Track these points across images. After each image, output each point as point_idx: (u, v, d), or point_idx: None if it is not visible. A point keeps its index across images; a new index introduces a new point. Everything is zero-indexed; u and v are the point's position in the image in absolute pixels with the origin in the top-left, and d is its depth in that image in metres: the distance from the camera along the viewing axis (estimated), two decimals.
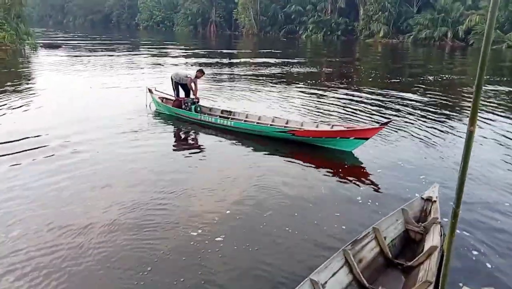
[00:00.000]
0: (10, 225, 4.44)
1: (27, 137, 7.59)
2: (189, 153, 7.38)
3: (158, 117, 9.67)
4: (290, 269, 3.77)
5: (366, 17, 46.24)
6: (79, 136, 7.79)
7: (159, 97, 10.06)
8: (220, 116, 9.06)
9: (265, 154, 7.25)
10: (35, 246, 4.04)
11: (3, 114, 9.54)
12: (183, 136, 8.66)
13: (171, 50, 31.41)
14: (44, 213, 4.75)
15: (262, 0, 57.97)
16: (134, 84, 13.85)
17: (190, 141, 8.42)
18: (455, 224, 2.05)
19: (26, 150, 6.90)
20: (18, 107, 10.36)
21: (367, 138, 6.96)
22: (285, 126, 7.93)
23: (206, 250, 4.03)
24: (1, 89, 12.68)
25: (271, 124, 8.20)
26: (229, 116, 9.11)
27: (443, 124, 9.27)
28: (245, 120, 8.71)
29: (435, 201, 4.32)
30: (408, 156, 7.05)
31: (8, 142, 7.34)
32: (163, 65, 20.87)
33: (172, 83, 9.69)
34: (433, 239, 3.69)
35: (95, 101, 11.25)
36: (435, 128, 8.88)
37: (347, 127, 7.24)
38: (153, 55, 26.76)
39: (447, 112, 10.58)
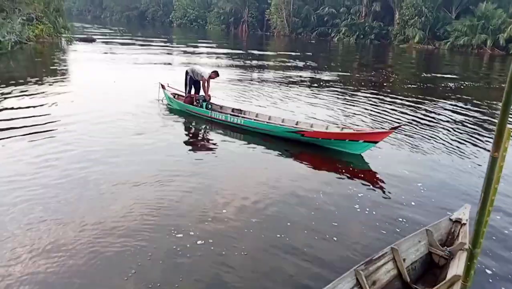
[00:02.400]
0: None
1: (47, 122, 8.00)
2: (199, 151, 7.36)
3: (170, 113, 9.72)
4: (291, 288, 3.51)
5: (402, 21, 44.87)
6: (87, 126, 8.01)
7: (171, 93, 10.15)
8: (231, 114, 9.01)
9: (275, 155, 7.16)
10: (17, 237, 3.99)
11: (27, 99, 10.03)
12: (193, 133, 8.60)
13: (202, 48, 31.58)
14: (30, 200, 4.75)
15: (295, 1, 57.47)
16: (156, 79, 13.91)
17: (200, 138, 8.35)
18: (471, 267, 1.73)
19: (34, 132, 7.32)
20: (45, 95, 10.70)
21: (376, 142, 6.87)
22: (294, 127, 7.89)
23: (186, 252, 3.87)
24: (34, 78, 13.16)
25: (280, 124, 8.17)
26: (239, 114, 9.07)
27: (478, 136, 8.66)
28: (255, 119, 8.66)
29: (464, 224, 3.86)
30: (435, 168, 6.63)
31: (24, 126, 7.63)
32: (190, 62, 20.96)
33: (186, 79, 9.66)
34: (458, 267, 3.30)
35: (114, 95, 11.46)
36: (469, 140, 8.32)
37: (357, 130, 7.16)
38: (183, 52, 26.99)
39: (484, 124, 9.89)
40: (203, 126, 8.74)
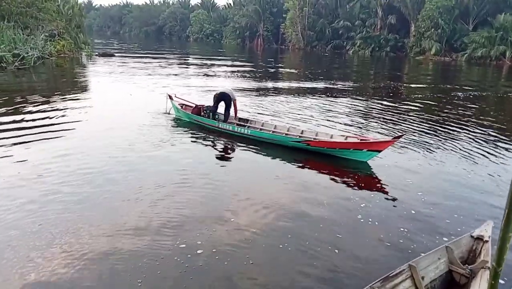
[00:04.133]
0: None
1: (64, 135, 8.12)
2: (206, 161, 7.37)
3: (177, 124, 9.87)
4: None
5: (418, 33, 44.61)
6: (100, 138, 8.21)
7: (179, 104, 10.31)
8: (237, 124, 9.19)
9: (281, 164, 7.32)
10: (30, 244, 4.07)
11: (47, 111, 10.34)
12: (200, 143, 8.56)
13: (217, 61, 31.99)
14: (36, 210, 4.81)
15: (310, 15, 57.91)
16: (171, 92, 14.10)
17: (207, 148, 8.32)
18: (495, 287, 1.67)
19: (50, 142, 7.47)
20: (63, 107, 11.04)
21: (380, 151, 7.09)
22: (300, 136, 8.14)
23: (191, 262, 3.87)
24: (54, 92, 13.64)
25: (286, 134, 8.41)
26: (245, 124, 9.28)
27: (496, 150, 8.43)
28: (261, 129, 8.89)
29: (487, 241, 3.70)
30: (447, 181, 6.49)
31: (43, 138, 7.74)
32: (208, 75, 21.26)
33: (219, 101, 9.46)
34: (479, 286, 3.17)
35: (129, 107, 11.72)
36: (486, 153, 8.10)
37: (361, 139, 7.37)
38: (199, 66, 27.37)
39: (503, 138, 9.55)
40: (210, 137, 8.83)
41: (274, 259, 4.06)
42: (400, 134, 7.57)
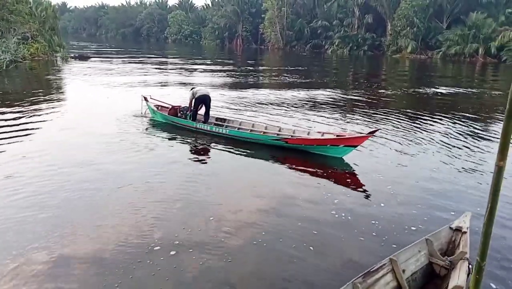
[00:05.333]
0: None
1: (38, 140, 7.82)
2: (184, 162, 7.29)
3: (153, 126, 9.69)
4: None
5: (394, 32, 45.43)
6: (73, 143, 8.03)
7: (154, 105, 10.08)
8: (215, 124, 9.20)
9: (259, 162, 7.41)
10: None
11: (20, 117, 10.02)
12: (178, 144, 8.45)
13: (195, 64, 31.74)
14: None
15: (289, 15, 58.19)
16: (147, 94, 13.87)
17: (186, 149, 8.23)
18: (479, 281, 1.67)
19: (23, 150, 7.07)
20: (37, 112, 10.69)
21: (355, 146, 7.30)
22: (278, 134, 8.28)
23: (165, 264, 3.80)
24: (28, 96, 13.19)
25: (264, 132, 8.52)
26: (223, 123, 9.27)
27: (477, 144, 8.61)
28: (238, 128, 8.96)
29: (465, 232, 3.77)
30: (431, 175, 6.59)
31: (17, 142, 7.49)
32: (185, 78, 21.05)
33: (193, 101, 9.30)
34: (459, 277, 3.23)
35: (105, 110, 11.46)
36: (468, 147, 8.29)
37: (337, 135, 7.58)
38: (177, 68, 27.10)
39: (481, 132, 9.81)
40: (188, 138, 8.71)
41: (249, 256, 4.05)
42: (375, 129, 7.76)
